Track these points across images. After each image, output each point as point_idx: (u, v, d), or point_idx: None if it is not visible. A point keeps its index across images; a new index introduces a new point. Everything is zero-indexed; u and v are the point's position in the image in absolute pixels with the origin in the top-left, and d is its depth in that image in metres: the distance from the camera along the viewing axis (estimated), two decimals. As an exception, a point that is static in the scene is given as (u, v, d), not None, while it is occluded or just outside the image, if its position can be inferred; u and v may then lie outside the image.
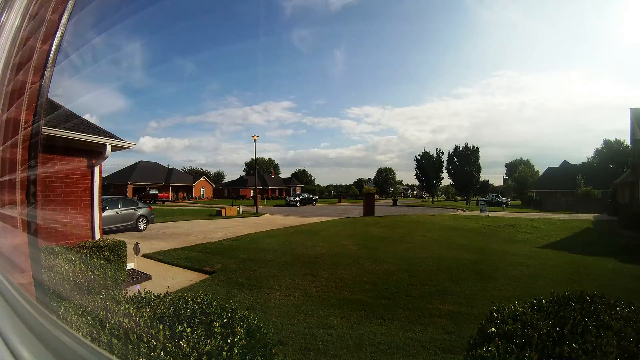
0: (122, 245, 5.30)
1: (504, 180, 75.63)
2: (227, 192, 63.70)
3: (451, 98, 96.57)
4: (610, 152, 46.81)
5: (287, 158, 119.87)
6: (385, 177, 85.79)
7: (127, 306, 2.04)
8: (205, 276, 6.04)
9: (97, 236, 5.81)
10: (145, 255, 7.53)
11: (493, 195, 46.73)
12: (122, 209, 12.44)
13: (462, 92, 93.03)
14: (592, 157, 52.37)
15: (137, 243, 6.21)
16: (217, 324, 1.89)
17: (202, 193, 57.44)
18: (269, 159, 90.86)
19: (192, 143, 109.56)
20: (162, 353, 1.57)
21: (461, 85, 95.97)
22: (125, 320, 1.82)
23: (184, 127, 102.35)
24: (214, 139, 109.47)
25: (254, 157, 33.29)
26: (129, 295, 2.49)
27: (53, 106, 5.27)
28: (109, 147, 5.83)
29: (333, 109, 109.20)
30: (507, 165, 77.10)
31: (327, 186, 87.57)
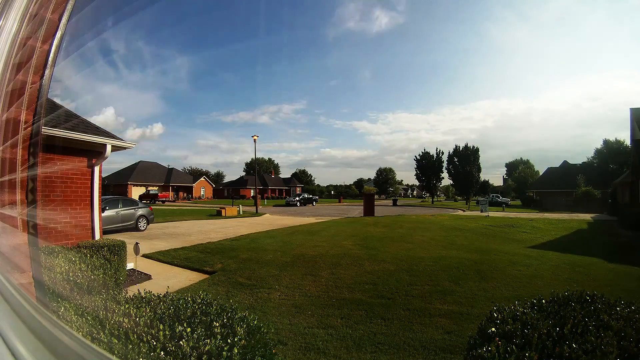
0: (122, 245, 5.30)
1: (504, 180, 75.77)
2: (227, 192, 63.72)
3: (464, 104, 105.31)
4: (610, 152, 46.80)
5: (298, 158, 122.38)
6: (385, 177, 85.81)
7: (127, 306, 2.04)
8: (205, 276, 6.04)
9: (97, 236, 5.81)
10: (145, 255, 7.53)
11: (493, 195, 46.75)
12: (122, 209, 12.44)
13: (474, 99, 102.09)
14: (592, 157, 52.40)
15: (137, 243, 6.21)
16: (217, 324, 1.89)
17: (202, 193, 57.46)
18: (269, 159, 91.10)
19: (217, 144, 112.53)
20: (162, 353, 1.57)
21: (474, 95, 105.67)
22: (125, 320, 1.82)
23: (194, 126, 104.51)
24: (228, 140, 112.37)
25: (254, 157, 33.30)
26: (129, 295, 2.49)
27: (53, 106, 5.27)
28: (109, 147, 5.83)
29: (354, 115, 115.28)
30: (507, 165, 77.38)
31: (327, 186, 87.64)
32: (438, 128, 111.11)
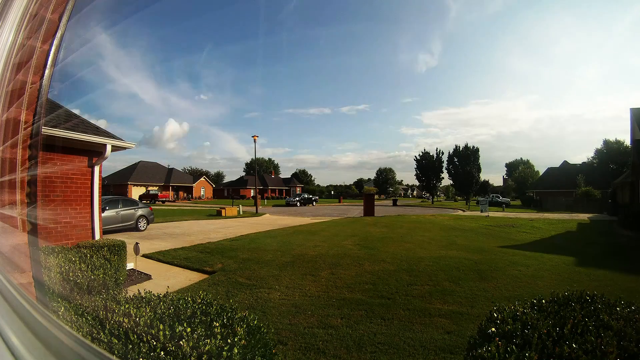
0: (122, 245, 5.30)
1: (504, 180, 75.82)
2: (227, 192, 63.74)
3: (483, 113, 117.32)
4: (610, 152, 46.85)
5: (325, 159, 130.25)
6: (385, 177, 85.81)
7: (127, 306, 2.04)
8: (205, 276, 6.04)
9: (97, 236, 5.80)
10: (145, 255, 7.53)
11: (493, 196, 46.72)
12: (122, 209, 12.44)
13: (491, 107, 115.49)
14: (592, 157, 52.47)
15: (137, 243, 6.21)
16: (217, 324, 1.89)
17: (202, 193, 57.45)
18: (269, 159, 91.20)
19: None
20: (162, 353, 1.57)
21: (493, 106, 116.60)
22: (125, 320, 1.82)
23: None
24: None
25: (254, 157, 33.29)
26: (129, 295, 2.49)
27: (53, 106, 5.27)
28: (109, 147, 5.83)
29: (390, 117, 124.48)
30: (507, 165, 77.51)
31: (327, 186, 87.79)
32: (461, 133, 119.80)
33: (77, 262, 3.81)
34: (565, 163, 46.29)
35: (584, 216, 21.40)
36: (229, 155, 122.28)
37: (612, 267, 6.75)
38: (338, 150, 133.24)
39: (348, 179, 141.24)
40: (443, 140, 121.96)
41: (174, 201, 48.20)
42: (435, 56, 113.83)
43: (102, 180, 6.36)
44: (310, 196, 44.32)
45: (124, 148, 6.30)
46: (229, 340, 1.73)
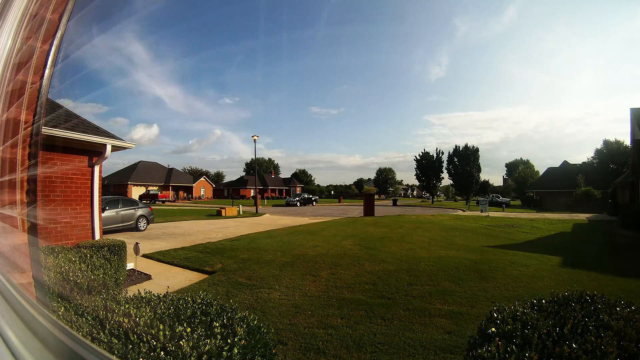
0: (122, 245, 5.30)
1: (504, 180, 75.85)
2: (227, 192, 63.74)
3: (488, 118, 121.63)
4: (610, 152, 46.84)
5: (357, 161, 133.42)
6: (385, 177, 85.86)
7: (127, 306, 2.04)
8: (205, 276, 6.04)
9: (97, 236, 5.80)
10: (145, 255, 7.52)
11: (493, 195, 46.72)
12: (122, 209, 12.44)
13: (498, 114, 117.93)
14: (592, 157, 52.45)
15: (137, 243, 6.21)
16: (217, 324, 1.89)
17: (202, 193, 57.45)
18: (269, 159, 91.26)
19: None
20: (162, 353, 1.57)
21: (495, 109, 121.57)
22: (125, 320, 1.82)
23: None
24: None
25: (254, 157, 33.30)
26: (129, 295, 2.49)
27: (53, 106, 5.27)
28: (109, 147, 5.83)
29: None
30: (507, 165, 77.56)
31: (327, 186, 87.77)
32: (469, 135, 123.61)
33: (77, 262, 3.80)
34: (565, 163, 46.23)
35: (583, 216, 21.42)
36: (234, 155, 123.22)
37: (612, 267, 6.76)
38: (346, 151, 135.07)
39: (348, 179, 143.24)
40: (452, 140, 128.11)
41: (174, 201, 48.19)
42: (443, 67, 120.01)
43: (102, 180, 6.36)
44: (310, 196, 44.32)
45: (124, 148, 6.30)
46: (229, 340, 1.73)
